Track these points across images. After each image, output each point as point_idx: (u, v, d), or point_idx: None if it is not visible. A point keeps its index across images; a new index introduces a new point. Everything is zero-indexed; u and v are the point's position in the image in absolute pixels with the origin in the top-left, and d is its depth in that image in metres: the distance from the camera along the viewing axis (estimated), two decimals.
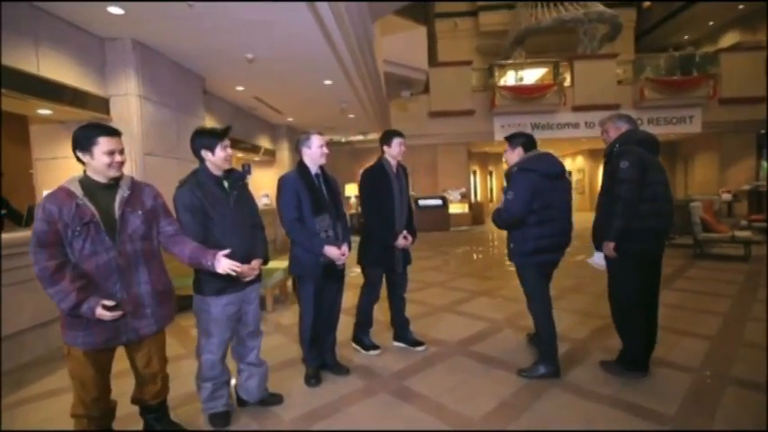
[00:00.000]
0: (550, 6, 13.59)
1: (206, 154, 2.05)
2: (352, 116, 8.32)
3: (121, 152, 1.74)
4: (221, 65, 5.13)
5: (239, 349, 2.28)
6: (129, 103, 4.18)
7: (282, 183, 2.50)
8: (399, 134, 3.02)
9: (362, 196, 2.97)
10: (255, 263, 2.13)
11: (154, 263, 1.83)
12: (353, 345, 3.22)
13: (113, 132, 1.72)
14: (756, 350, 2.95)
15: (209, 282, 2.04)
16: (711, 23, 15.92)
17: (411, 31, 9.15)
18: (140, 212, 1.78)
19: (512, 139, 2.74)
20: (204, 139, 2.06)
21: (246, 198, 2.25)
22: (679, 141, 13.96)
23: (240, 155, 7.88)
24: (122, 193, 1.75)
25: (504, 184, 2.71)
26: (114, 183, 1.75)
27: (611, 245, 2.42)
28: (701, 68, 11.52)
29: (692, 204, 6.38)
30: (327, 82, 5.89)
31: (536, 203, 2.49)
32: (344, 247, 2.56)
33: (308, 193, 2.47)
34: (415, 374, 2.77)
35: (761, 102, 11.38)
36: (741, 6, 14.31)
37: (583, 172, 16.36)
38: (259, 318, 2.31)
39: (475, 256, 7.53)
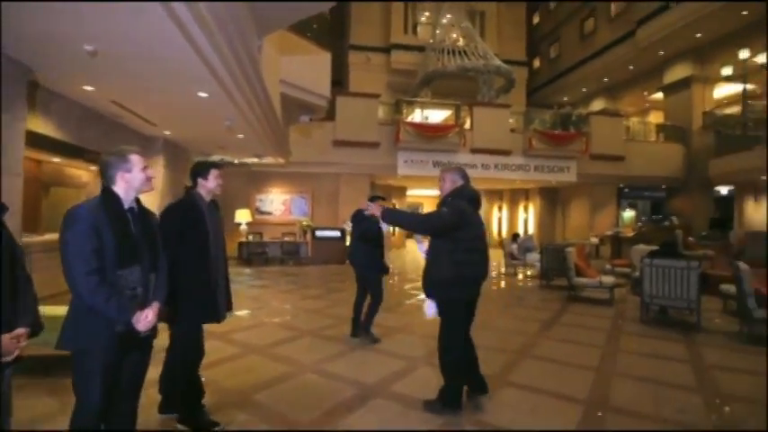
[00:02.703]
0: (455, 54, 14.57)
1: None
2: (241, 136, 7.49)
3: None
4: (54, 55, 4.03)
5: None
6: None
7: (73, 218, 1.69)
8: (217, 165, 2.57)
9: (168, 239, 2.16)
10: (20, 331, 1.60)
11: None
12: (178, 426, 2.42)
13: None
14: (622, 415, 2.85)
15: None
16: (584, 90, 18.56)
17: (314, 56, 8.75)
18: None
19: (373, 200, 3.92)
20: None
21: (7, 237, 1.53)
22: (559, 188, 15.56)
23: (93, 168, 6.50)
24: None
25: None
26: None
27: (377, 209, 2.87)
28: (576, 126, 13.07)
29: (567, 250, 6.77)
30: (202, 94, 5.08)
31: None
32: (151, 311, 1.83)
33: (114, 235, 1.72)
34: None
35: (619, 160, 13.28)
36: (606, 79, 16.96)
37: None
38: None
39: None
